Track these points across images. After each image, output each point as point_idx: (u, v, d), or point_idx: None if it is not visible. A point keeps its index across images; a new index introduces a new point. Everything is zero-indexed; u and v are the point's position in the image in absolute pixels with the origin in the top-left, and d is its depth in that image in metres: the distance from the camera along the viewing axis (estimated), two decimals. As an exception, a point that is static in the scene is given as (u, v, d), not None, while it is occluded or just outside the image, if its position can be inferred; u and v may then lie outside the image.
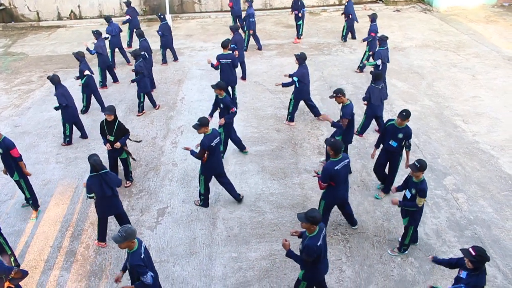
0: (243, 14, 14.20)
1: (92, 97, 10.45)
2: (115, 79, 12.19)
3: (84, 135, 9.53)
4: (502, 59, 12.98)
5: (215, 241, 6.75)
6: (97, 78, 11.32)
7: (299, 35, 14.87)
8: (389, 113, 9.90)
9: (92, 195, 6.21)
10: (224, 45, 9.69)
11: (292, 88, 9.43)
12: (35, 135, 9.86)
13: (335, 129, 7.69)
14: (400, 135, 6.91)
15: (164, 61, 13.30)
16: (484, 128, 9.48)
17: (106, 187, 6.16)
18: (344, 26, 14.48)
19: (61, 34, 16.98)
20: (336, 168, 5.99)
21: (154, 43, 13.09)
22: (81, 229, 7.08)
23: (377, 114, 8.87)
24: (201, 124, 6.71)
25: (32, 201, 7.31)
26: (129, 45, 14.54)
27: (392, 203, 6.07)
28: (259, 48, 14.15)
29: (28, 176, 7.15)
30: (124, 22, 14.03)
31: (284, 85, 9.42)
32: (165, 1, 16.88)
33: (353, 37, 14.76)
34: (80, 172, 8.43)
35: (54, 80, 8.82)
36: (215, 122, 8.36)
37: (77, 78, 10.21)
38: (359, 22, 14.57)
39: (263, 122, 10.00)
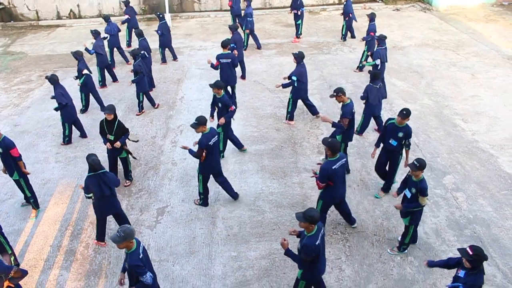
0: (243, 13, 14.19)
1: (91, 96, 10.44)
2: (115, 79, 12.18)
3: (83, 135, 9.53)
4: (502, 58, 12.97)
5: (214, 240, 6.75)
6: (96, 77, 11.32)
7: (298, 34, 14.85)
8: (389, 112, 9.90)
9: (91, 195, 6.20)
10: (224, 44, 9.69)
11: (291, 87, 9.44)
12: (35, 134, 9.86)
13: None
14: (400, 134, 6.91)
15: (164, 60, 13.30)
16: (483, 127, 9.48)
17: (104, 187, 6.15)
18: (343, 25, 14.47)
19: (61, 33, 16.96)
20: (333, 167, 6.02)
21: (153, 42, 13.08)
22: (81, 228, 7.09)
23: (375, 114, 8.89)
24: (199, 123, 6.71)
25: (33, 200, 7.32)
26: (129, 45, 14.51)
27: (396, 208, 6.10)
28: (258, 47, 14.14)
29: (27, 175, 7.14)
30: (123, 22, 14.01)
31: (284, 86, 9.45)
32: (165, 0, 16.88)
33: (352, 36, 14.75)
34: (80, 172, 8.42)
35: (52, 80, 8.82)
36: (215, 122, 8.35)
37: (76, 77, 10.20)
38: (358, 21, 14.56)
39: (263, 121, 10.00)
